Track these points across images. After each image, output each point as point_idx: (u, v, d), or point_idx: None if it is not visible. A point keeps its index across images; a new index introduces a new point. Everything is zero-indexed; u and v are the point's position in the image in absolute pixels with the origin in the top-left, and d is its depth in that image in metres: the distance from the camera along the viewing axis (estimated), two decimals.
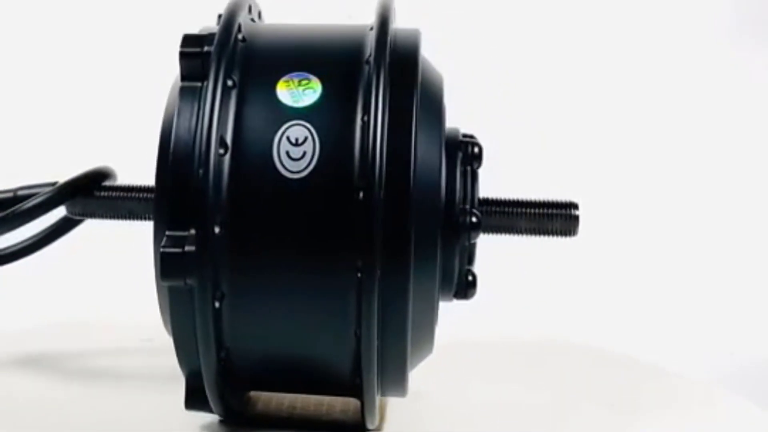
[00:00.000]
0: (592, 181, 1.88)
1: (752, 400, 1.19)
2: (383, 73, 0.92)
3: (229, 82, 0.94)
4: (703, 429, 1.13)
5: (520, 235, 1.07)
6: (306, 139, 0.92)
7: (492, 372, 1.29)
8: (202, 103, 0.92)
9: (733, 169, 1.99)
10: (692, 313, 1.66)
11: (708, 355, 1.51)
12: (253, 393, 1.11)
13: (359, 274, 0.90)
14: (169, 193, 0.93)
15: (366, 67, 0.95)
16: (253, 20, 1.04)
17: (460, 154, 1.01)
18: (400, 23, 1.11)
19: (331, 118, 0.93)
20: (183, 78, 0.97)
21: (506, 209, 1.05)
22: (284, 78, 0.95)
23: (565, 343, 1.40)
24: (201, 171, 0.90)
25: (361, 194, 0.90)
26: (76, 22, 1.85)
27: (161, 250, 0.91)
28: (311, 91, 0.94)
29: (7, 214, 1.05)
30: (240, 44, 0.98)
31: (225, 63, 0.94)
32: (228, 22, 0.97)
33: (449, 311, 1.11)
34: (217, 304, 0.92)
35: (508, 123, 1.82)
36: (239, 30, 0.98)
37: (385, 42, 0.94)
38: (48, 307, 1.42)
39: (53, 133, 1.76)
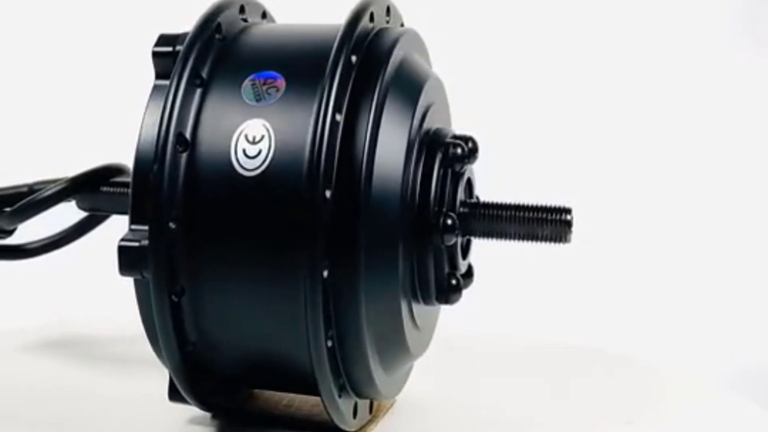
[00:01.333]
0: (594, 182, 1.87)
1: (752, 400, 1.18)
2: (338, 73, 0.91)
3: (197, 81, 0.96)
4: (703, 429, 1.12)
5: (511, 241, 1.03)
6: (263, 137, 0.93)
7: (490, 373, 1.27)
8: (165, 101, 0.94)
9: (734, 171, 1.96)
10: (692, 313, 1.64)
11: (708, 355, 1.48)
12: (255, 390, 1.13)
13: (305, 274, 0.89)
14: (132, 189, 0.96)
15: None
16: (245, 20, 1.05)
17: (439, 155, 0.99)
18: (408, 23, 1.10)
19: (289, 116, 0.93)
20: (156, 76, 0.99)
21: (495, 213, 1.02)
22: (251, 77, 0.96)
23: (564, 344, 1.38)
24: (155, 167, 0.92)
25: (308, 194, 0.89)
26: (86, 22, 1.93)
27: (119, 243, 0.94)
28: (275, 90, 0.95)
29: (20, 206, 1.11)
30: (217, 43, 0.99)
31: (192, 62, 0.96)
32: (202, 22, 0.99)
33: (447, 312, 1.11)
34: (175, 298, 0.94)
35: (512, 125, 1.80)
36: (218, 29, 0.99)
37: (347, 42, 0.93)
38: (58, 304, 1.48)
39: (71, 133, 1.84)
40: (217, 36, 0.99)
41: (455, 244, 0.99)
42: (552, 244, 1.02)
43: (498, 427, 1.11)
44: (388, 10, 1.05)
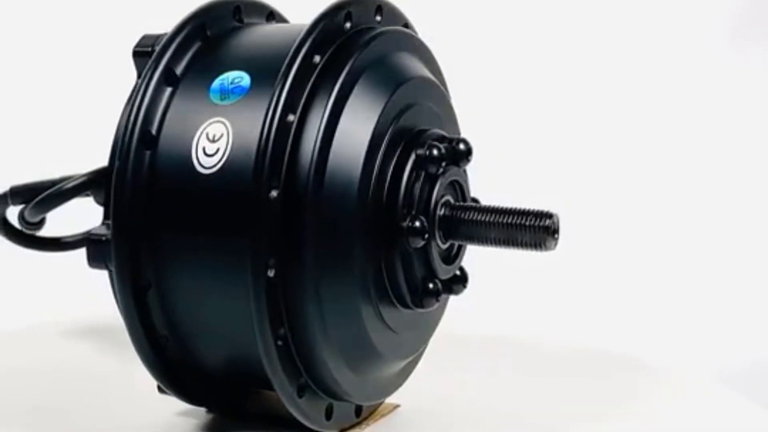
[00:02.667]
0: (593, 181, 1.85)
1: (752, 399, 1.16)
2: (293, 73, 0.91)
3: (169, 79, 0.98)
4: (703, 428, 1.11)
5: (494, 247, 1.00)
6: (222, 135, 0.94)
7: (489, 373, 1.26)
8: (134, 99, 0.97)
9: (733, 172, 1.90)
10: (692, 313, 1.57)
11: (708, 355, 1.44)
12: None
13: (249, 274, 0.90)
14: (105, 185, 0.99)
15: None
16: (240, 21, 1.06)
17: (413, 156, 0.97)
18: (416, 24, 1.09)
19: (247, 115, 0.93)
20: (138, 75, 1.02)
21: (474, 217, 0.99)
22: (221, 76, 0.98)
23: (565, 344, 1.36)
24: (119, 163, 0.95)
25: (253, 193, 0.89)
26: (88, 19, 1.98)
27: (88, 235, 0.97)
28: (239, 89, 0.96)
29: (40, 198, 1.16)
30: (197, 44, 1.01)
31: (166, 61, 0.98)
32: (182, 23, 1.01)
33: (449, 313, 1.11)
34: (141, 292, 0.96)
35: (512, 126, 1.75)
36: (202, 30, 1.01)
37: (306, 42, 0.93)
38: (90, 297, 1.53)
39: (74, 132, 1.89)
40: (199, 36, 1.01)
41: (429, 247, 0.97)
42: (533, 251, 0.98)
43: (499, 427, 1.09)
44: (378, 9, 1.03)
